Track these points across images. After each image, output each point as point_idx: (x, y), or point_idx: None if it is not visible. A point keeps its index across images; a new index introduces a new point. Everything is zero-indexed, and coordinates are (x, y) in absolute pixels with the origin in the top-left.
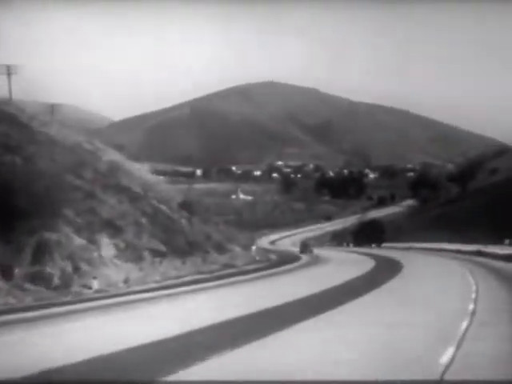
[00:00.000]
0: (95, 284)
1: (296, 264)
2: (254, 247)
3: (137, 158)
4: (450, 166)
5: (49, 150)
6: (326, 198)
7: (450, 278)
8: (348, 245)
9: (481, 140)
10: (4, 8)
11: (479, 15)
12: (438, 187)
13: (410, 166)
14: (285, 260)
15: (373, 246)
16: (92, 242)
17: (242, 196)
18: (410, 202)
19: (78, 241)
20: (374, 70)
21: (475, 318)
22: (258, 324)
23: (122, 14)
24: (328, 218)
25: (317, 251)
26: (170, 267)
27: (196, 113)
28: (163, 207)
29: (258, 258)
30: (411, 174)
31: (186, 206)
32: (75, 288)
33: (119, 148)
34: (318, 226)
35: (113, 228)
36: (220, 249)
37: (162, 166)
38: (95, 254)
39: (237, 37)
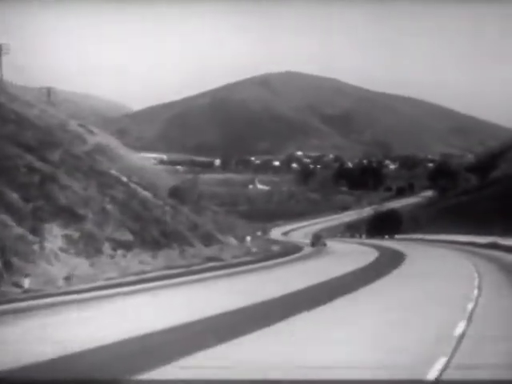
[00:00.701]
0: (26, 282)
1: (294, 256)
2: (248, 238)
3: (153, 148)
4: (470, 156)
5: (14, 129)
6: (344, 188)
7: (451, 281)
8: (360, 236)
9: (498, 130)
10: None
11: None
12: (457, 177)
13: (429, 156)
14: (285, 251)
15: (386, 237)
16: (36, 232)
17: (259, 186)
18: (428, 193)
19: (16, 230)
20: (392, 59)
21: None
22: (156, 349)
23: (139, 3)
24: (344, 208)
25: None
26: (135, 261)
27: (216, 103)
28: (147, 194)
29: (254, 250)
30: (431, 164)
31: (177, 193)
32: (4, 287)
33: (121, 133)
34: (334, 216)
35: (70, 216)
36: (209, 240)
37: (180, 156)
38: (35, 247)
39: (256, 26)
